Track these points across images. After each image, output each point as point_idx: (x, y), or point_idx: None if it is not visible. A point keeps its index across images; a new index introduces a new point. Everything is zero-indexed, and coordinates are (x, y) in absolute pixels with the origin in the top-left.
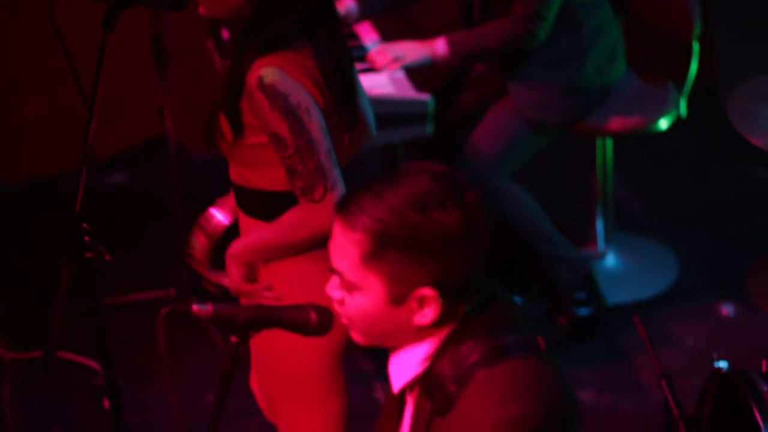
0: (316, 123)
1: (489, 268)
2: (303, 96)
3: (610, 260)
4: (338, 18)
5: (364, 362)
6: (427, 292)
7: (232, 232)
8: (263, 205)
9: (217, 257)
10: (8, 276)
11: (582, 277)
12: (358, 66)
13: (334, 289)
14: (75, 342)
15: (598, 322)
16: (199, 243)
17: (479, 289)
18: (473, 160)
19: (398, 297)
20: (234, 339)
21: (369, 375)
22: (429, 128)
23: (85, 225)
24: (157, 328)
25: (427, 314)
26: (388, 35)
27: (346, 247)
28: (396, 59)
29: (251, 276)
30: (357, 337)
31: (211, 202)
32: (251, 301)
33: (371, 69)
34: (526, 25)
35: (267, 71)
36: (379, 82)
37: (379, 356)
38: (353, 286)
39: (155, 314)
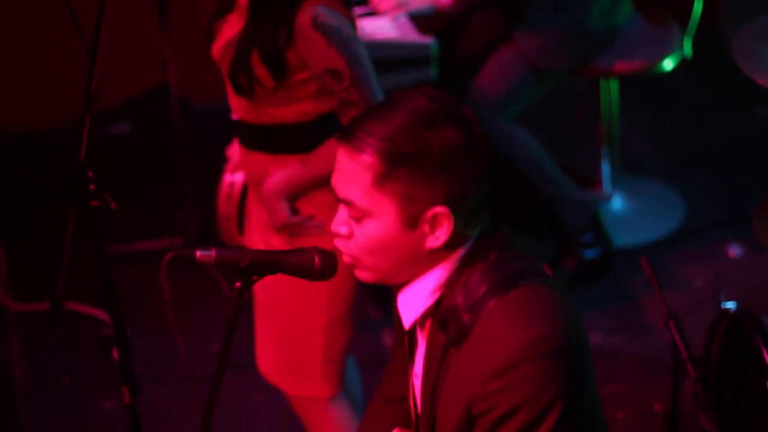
0: (365, 53)
1: (491, 186)
2: (351, 29)
3: (617, 202)
4: None
5: (372, 310)
6: (440, 209)
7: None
8: (295, 137)
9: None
10: (14, 227)
11: (588, 219)
12: (362, 10)
13: (340, 224)
14: (82, 292)
15: (605, 264)
16: (230, 212)
17: (484, 209)
18: (477, 104)
19: (411, 218)
20: (238, 284)
21: (377, 322)
22: (433, 71)
23: (90, 173)
24: (161, 275)
25: (440, 236)
26: None
27: (355, 173)
28: (399, 4)
29: (294, 209)
30: (363, 275)
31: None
32: (298, 235)
33: (374, 13)
34: None
35: (318, 11)
36: (382, 26)
37: (387, 304)
38: (365, 213)
39: (161, 263)
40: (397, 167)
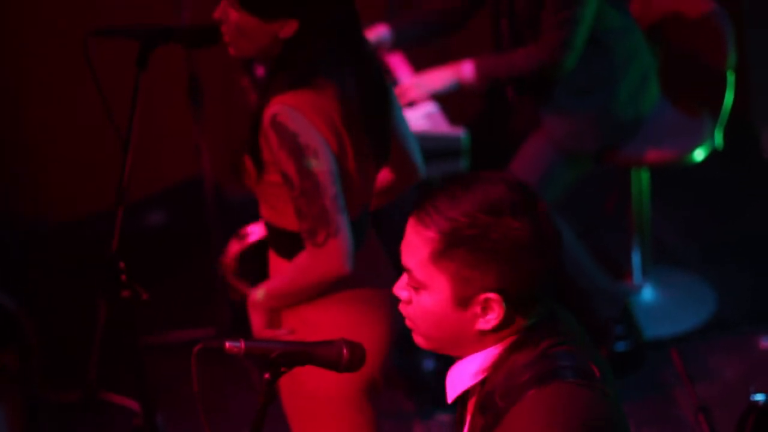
0: (324, 167)
1: (553, 281)
2: (313, 138)
3: (648, 293)
4: (370, 55)
5: (404, 401)
6: (492, 296)
7: (263, 249)
8: (286, 243)
9: (244, 268)
10: (47, 316)
11: (620, 311)
12: None
13: (401, 289)
14: (115, 382)
15: (637, 356)
16: (231, 248)
17: (542, 301)
18: None
19: (463, 299)
20: (267, 375)
21: (408, 414)
22: (464, 163)
23: (121, 264)
24: (191, 366)
25: (490, 320)
26: (418, 63)
27: (417, 245)
28: (424, 90)
29: (275, 322)
30: (419, 340)
31: None
32: None
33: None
34: (554, 53)
35: (280, 109)
36: (413, 118)
37: (419, 395)
38: (421, 285)
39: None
40: (455, 248)
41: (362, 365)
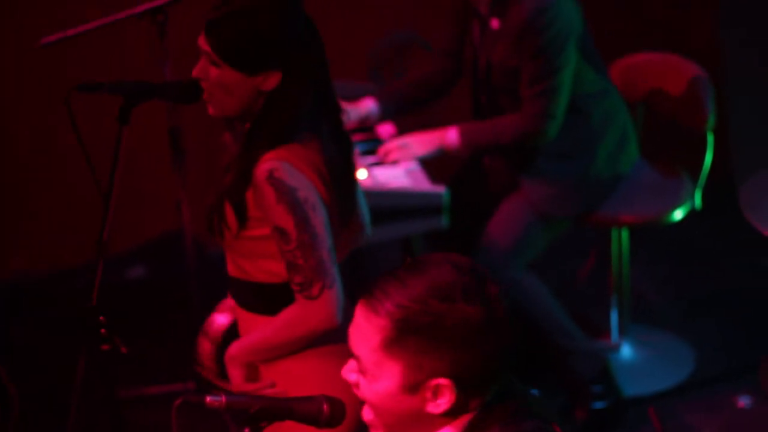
0: (320, 219)
1: (508, 361)
2: (310, 191)
3: (626, 351)
4: (340, 112)
5: None
6: (443, 381)
7: (233, 332)
8: (262, 298)
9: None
10: (25, 368)
11: (598, 370)
12: (373, 159)
13: (349, 372)
14: None
15: (615, 415)
16: (204, 349)
17: (496, 382)
18: (489, 252)
19: (414, 385)
20: (247, 430)
21: None
22: (444, 220)
23: (101, 317)
24: (172, 420)
25: (441, 404)
26: (403, 128)
27: (367, 332)
28: (408, 152)
29: (253, 376)
30: (369, 421)
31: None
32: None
33: (384, 163)
34: (537, 123)
35: (276, 165)
36: (394, 175)
37: None
38: (369, 371)
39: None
40: (407, 336)
41: (342, 421)
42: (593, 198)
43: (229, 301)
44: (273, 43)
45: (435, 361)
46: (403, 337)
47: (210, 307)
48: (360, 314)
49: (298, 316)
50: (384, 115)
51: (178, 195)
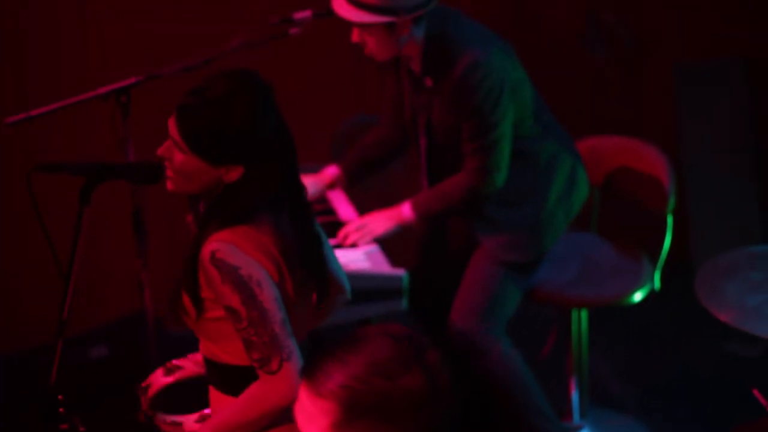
0: (268, 295)
1: (452, 428)
2: (254, 269)
3: None
4: (303, 195)
5: None
6: None
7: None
8: (230, 379)
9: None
10: None
11: None
12: (333, 242)
13: None
14: None
15: None
16: (157, 380)
17: None
18: (461, 320)
19: None
20: None
21: None
22: (404, 303)
23: (60, 397)
24: None
25: None
26: (362, 202)
27: (314, 415)
28: (366, 233)
29: None
30: None
31: None
32: None
33: (343, 246)
34: (481, 177)
35: (218, 246)
36: (354, 257)
37: None
38: None
39: None
40: (356, 419)
41: None
42: (548, 238)
43: (198, 356)
44: (240, 139)
45: None
46: (352, 419)
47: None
48: (304, 397)
49: (261, 392)
50: (348, 182)
51: (139, 275)
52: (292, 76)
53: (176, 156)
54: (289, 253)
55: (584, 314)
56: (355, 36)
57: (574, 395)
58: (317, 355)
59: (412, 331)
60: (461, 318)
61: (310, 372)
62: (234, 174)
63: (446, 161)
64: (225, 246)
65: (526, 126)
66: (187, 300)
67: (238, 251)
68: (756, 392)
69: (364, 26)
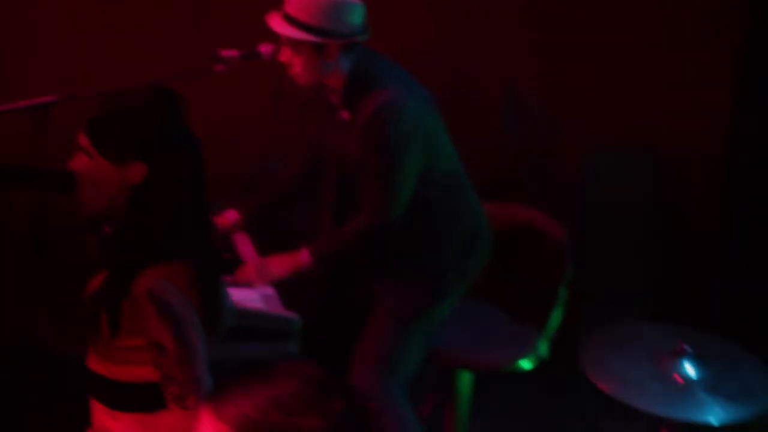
0: (197, 334)
1: None
2: (187, 308)
3: None
4: (213, 229)
5: None
6: None
7: None
8: (124, 396)
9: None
10: None
11: None
12: (230, 279)
13: None
14: None
15: None
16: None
17: None
18: (361, 375)
19: None
20: None
21: None
22: (294, 347)
23: None
24: None
25: None
26: (262, 242)
27: None
28: (264, 277)
29: None
30: None
31: None
32: None
33: (239, 284)
34: (376, 216)
35: (157, 283)
36: (249, 297)
37: None
38: None
39: None
40: None
41: None
42: (443, 292)
43: None
44: (142, 135)
45: None
46: None
47: None
48: (205, 415)
49: (176, 426)
50: (247, 223)
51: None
52: (212, 113)
53: (84, 161)
54: (207, 290)
55: (467, 377)
56: (285, 55)
57: None
58: (228, 380)
59: (328, 376)
60: (359, 374)
61: (215, 394)
62: (137, 173)
63: (354, 198)
64: (163, 283)
65: (435, 176)
66: (103, 323)
67: (175, 289)
68: None
69: (293, 43)
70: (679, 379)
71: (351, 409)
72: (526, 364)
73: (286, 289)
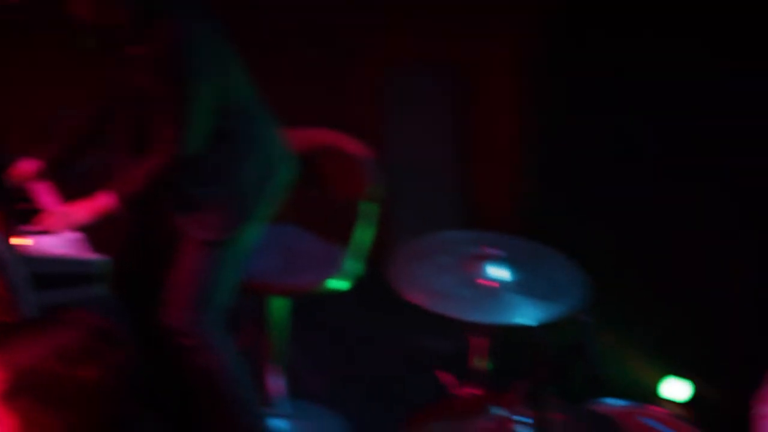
0: None
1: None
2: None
3: (280, 425)
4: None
5: None
6: None
7: None
8: None
9: None
10: None
11: None
12: (36, 228)
13: None
14: None
15: None
16: None
17: None
18: (172, 309)
19: None
20: None
21: None
22: (103, 289)
23: None
24: None
25: None
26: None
27: None
28: (69, 220)
29: None
30: None
31: None
32: None
33: (47, 231)
34: (174, 147)
35: None
36: (55, 243)
37: None
38: None
39: None
40: (23, 394)
41: None
42: (244, 216)
43: None
44: None
45: (48, 425)
46: (19, 393)
47: None
48: None
49: None
50: (48, 171)
51: None
52: None
53: None
54: None
55: (282, 303)
56: None
57: (273, 387)
58: (17, 329)
59: (112, 325)
60: (172, 311)
61: (2, 341)
62: None
63: (151, 134)
64: None
65: (231, 106)
66: None
67: None
68: (439, 373)
69: None
70: (488, 283)
71: (136, 359)
72: (338, 285)
73: (97, 232)
